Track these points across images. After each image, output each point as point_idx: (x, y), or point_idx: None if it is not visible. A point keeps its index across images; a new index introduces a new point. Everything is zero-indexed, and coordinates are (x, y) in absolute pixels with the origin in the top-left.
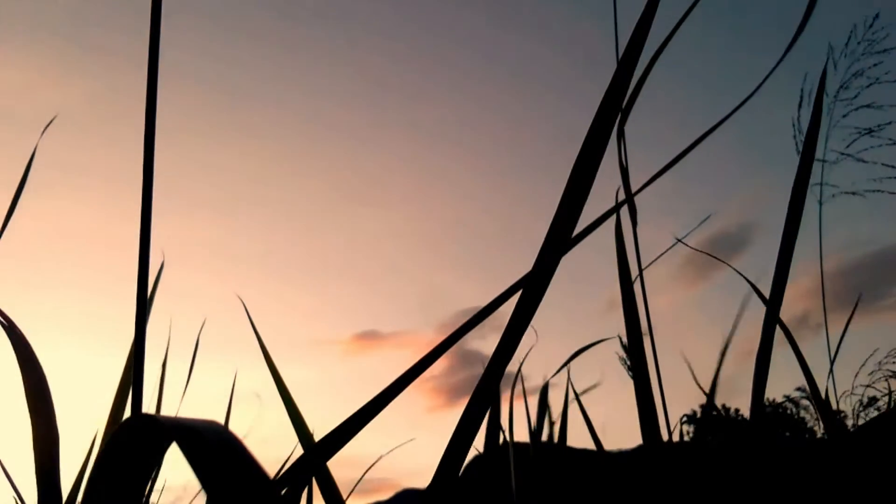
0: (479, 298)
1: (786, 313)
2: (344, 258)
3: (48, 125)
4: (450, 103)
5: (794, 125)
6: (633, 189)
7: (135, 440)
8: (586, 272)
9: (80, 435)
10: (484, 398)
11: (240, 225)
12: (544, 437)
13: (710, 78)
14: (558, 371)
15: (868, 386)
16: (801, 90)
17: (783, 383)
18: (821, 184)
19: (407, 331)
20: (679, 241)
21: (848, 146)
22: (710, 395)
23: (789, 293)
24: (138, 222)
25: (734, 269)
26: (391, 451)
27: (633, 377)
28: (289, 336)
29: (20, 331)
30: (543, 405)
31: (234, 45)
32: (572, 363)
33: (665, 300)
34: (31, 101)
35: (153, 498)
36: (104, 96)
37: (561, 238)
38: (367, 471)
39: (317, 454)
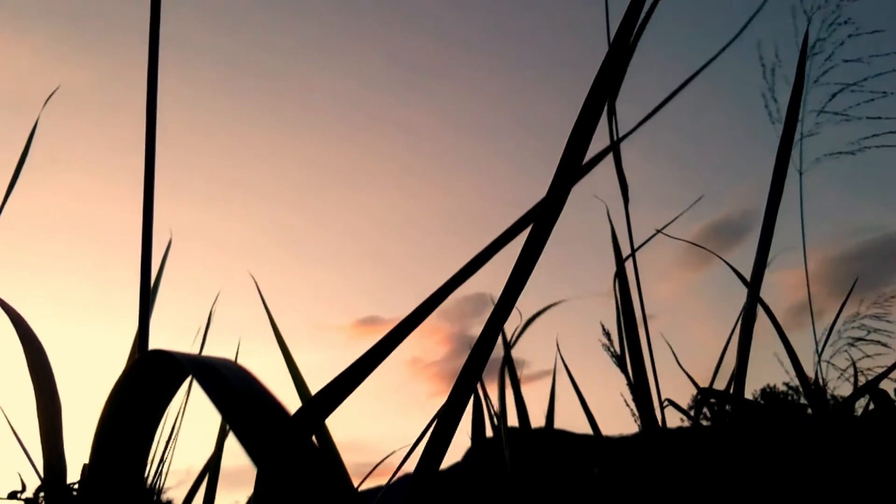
0: (482, 285)
1: (788, 299)
2: (345, 245)
3: (50, 97)
4: (463, 82)
5: (764, 95)
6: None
7: (150, 375)
8: (587, 261)
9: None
10: (488, 341)
11: (240, 211)
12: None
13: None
14: (517, 337)
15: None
16: (761, 57)
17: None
18: (800, 147)
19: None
20: (658, 231)
21: (826, 103)
22: (701, 388)
23: (791, 280)
24: (141, 203)
25: (722, 259)
26: (403, 447)
27: (631, 361)
28: (290, 322)
29: (11, 307)
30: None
31: (240, 23)
32: (561, 349)
33: (668, 286)
34: (34, 84)
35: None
36: (109, 76)
37: (572, 167)
38: (383, 459)
39: (320, 405)
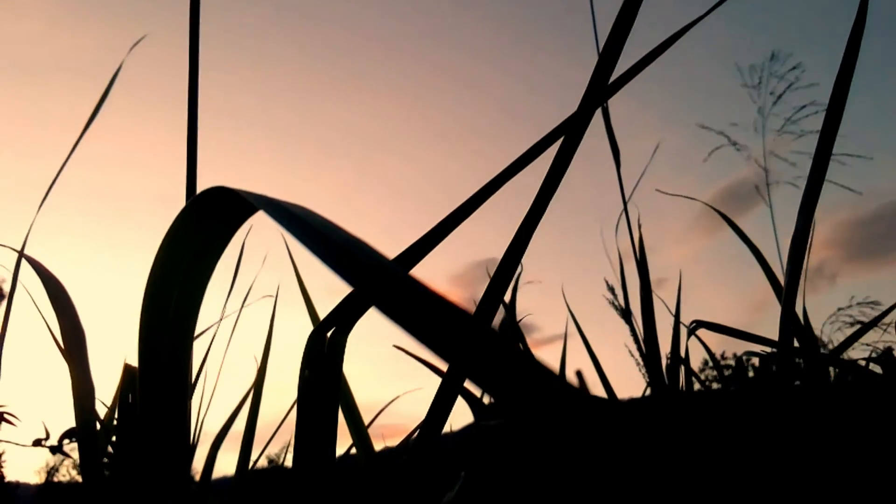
0: (493, 251)
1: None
2: (356, 208)
3: (138, 42)
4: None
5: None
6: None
7: (212, 210)
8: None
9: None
10: (509, 268)
11: (257, 169)
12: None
13: None
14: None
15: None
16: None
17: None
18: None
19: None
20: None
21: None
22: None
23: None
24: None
25: (730, 224)
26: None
27: (643, 322)
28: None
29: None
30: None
31: None
32: (576, 315)
33: (682, 250)
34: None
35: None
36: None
37: (601, 86)
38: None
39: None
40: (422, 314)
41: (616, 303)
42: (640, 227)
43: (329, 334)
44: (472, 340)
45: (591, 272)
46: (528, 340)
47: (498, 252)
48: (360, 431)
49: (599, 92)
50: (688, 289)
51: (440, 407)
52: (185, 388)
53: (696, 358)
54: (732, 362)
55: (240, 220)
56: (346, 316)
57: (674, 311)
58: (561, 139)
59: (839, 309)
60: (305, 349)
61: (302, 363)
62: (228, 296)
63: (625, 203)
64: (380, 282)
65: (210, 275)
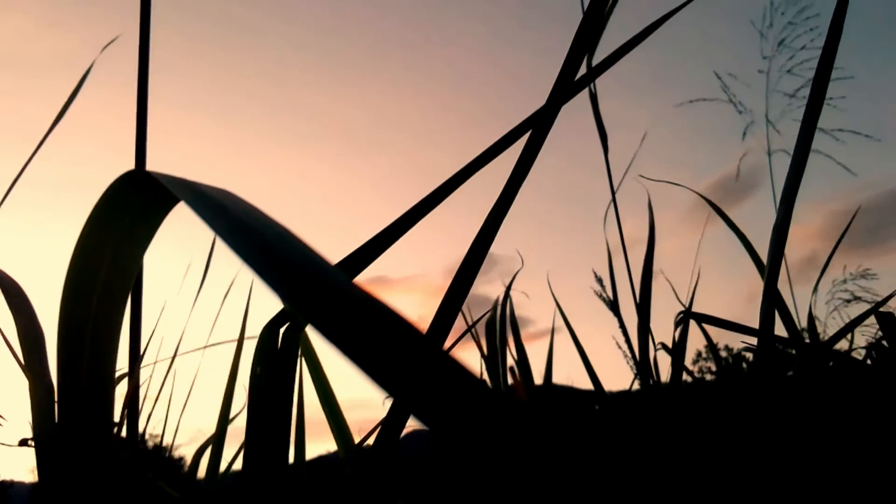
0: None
1: (795, 254)
2: (350, 203)
3: (110, 43)
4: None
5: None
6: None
7: (132, 199)
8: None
9: None
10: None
11: (252, 166)
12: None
13: None
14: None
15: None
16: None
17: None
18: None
19: (416, 275)
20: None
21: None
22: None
23: (798, 234)
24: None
25: (721, 217)
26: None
27: (638, 310)
28: None
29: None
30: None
31: None
32: (571, 310)
33: (674, 243)
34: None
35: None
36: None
37: (566, 83)
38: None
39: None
40: (360, 334)
41: (604, 295)
42: (651, 213)
43: (283, 330)
44: (421, 371)
45: (589, 263)
46: (522, 334)
47: (494, 247)
48: (339, 426)
49: (566, 87)
50: (682, 280)
51: (389, 434)
52: (107, 394)
53: (691, 349)
54: (725, 353)
55: (164, 206)
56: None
57: (684, 301)
58: (528, 133)
59: (834, 283)
60: (257, 346)
61: (253, 360)
62: (200, 288)
63: (613, 194)
64: (309, 290)
65: (136, 265)
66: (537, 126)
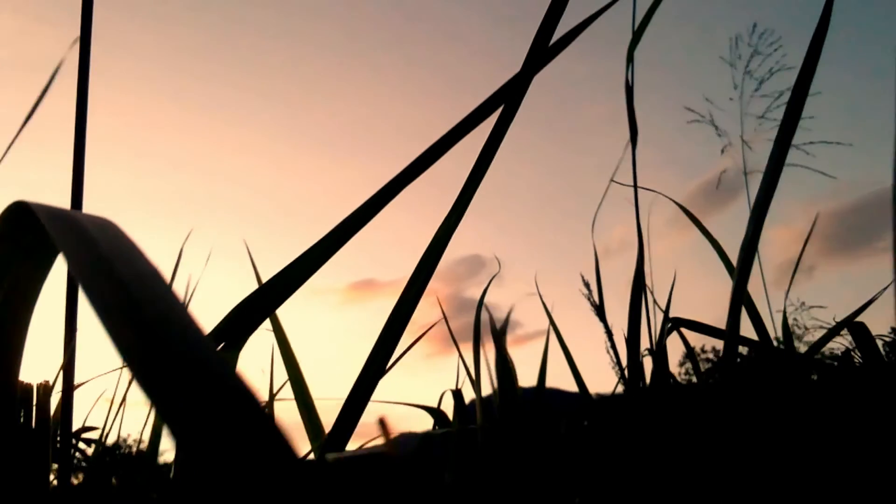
0: (475, 247)
1: (780, 256)
2: (339, 205)
3: (75, 42)
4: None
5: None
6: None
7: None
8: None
9: None
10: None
11: (232, 168)
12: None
13: None
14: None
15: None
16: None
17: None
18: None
19: (404, 279)
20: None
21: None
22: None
23: (784, 237)
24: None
25: (699, 228)
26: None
27: (630, 318)
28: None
29: None
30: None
31: None
32: (546, 302)
33: (662, 245)
34: None
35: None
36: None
37: (540, 50)
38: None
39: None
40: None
41: (591, 299)
42: (638, 223)
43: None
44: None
45: (579, 268)
46: (516, 336)
47: (483, 249)
48: (314, 425)
49: (539, 56)
50: (667, 283)
51: None
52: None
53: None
54: (711, 355)
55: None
56: (236, 330)
57: (662, 306)
58: (501, 108)
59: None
60: None
61: None
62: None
63: (636, 190)
64: (145, 359)
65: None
66: (510, 99)
